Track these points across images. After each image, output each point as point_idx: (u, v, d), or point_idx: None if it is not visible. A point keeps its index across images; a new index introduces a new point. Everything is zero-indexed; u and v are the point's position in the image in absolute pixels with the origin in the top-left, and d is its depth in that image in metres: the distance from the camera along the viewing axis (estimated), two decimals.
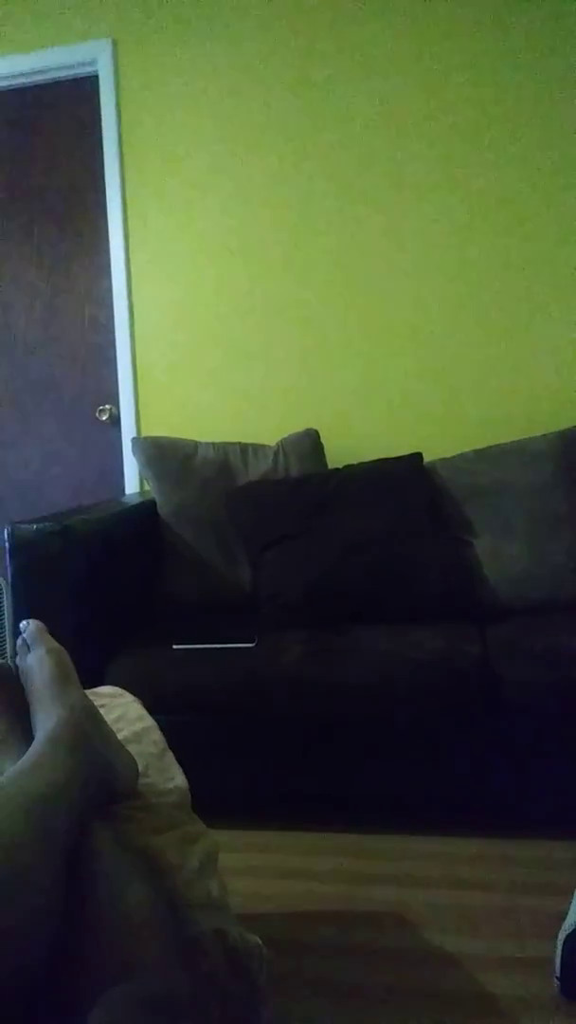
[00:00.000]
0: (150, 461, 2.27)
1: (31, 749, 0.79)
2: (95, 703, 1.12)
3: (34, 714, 0.88)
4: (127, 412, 2.71)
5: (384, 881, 1.52)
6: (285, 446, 2.34)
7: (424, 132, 2.43)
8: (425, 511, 2.05)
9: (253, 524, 2.08)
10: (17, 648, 0.97)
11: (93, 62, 2.65)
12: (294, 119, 2.52)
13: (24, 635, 0.96)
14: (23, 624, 0.98)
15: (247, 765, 1.71)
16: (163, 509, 2.24)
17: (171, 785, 1.00)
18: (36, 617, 1.01)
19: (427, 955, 1.30)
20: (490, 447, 2.18)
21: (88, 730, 0.84)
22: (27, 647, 0.95)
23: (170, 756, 1.09)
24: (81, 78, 2.70)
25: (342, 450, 2.54)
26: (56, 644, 0.95)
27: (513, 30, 2.35)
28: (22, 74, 2.71)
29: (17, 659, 0.96)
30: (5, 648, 2.18)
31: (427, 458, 2.44)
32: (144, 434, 2.71)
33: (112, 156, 2.64)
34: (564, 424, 2.41)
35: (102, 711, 1.14)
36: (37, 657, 0.92)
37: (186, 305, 2.64)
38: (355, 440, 2.55)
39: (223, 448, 2.33)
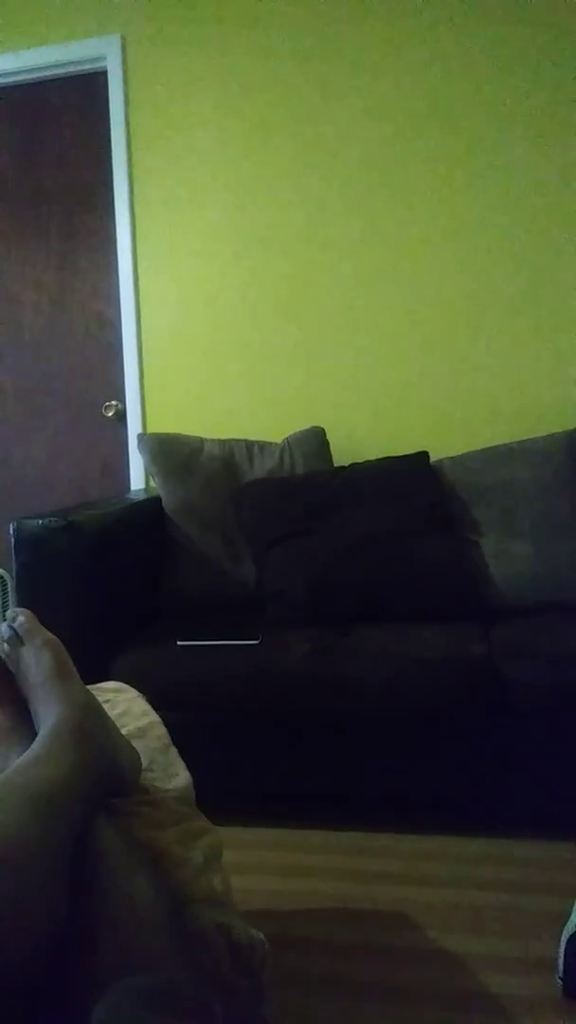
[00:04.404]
0: (155, 457, 2.27)
1: (35, 743, 0.79)
2: (99, 698, 1.12)
3: (34, 708, 0.87)
4: (133, 408, 2.71)
5: (387, 880, 1.51)
6: (291, 443, 2.34)
7: (430, 132, 2.43)
8: (431, 510, 2.05)
9: (258, 521, 2.08)
10: (6, 639, 0.92)
11: (102, 58, 2.65)
12: (302, 118, 2.51)
13: (15, 626, 0.93)
14: (11, 614, 0.95)
15: (251, 762, 1.71)
16: (168, 505, 2.24)
17: (175, 781, 1.00)
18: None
19: (430, 954, 1.29)
20: (497, 446, 2.17)
21: (92, 724, 0.84)
22: (19, 639, 0.92)
23: (174, 752, 1.09)
24: (90, 74, 2.70)
25: (348, 448, 2.54)
26: (51, 636, 0.93)
27: (520, 34, 2.34)
28: (31, 70, 2.72)
29: (6, 649, 0.92)
30: None
31: (433, 457, 2.43)
32: (150, 430, 2.71)
33: (120, 153, 2.64)
34: (571, 424, 2.40)
35: (106, 706, 1.14)
36: (33, 649, 0.90)
37: (193, 302, 2.64)
38: (361, 438, 2.54)
39: (229, 445, 2.33)
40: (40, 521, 1.71)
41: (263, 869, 1.57)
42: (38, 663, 0.89)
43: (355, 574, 1.90)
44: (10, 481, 2.89)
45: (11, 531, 1.72)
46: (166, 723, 1.16)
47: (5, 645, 0.92)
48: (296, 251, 2.55)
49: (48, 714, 0.84)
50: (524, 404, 2.43)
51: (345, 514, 2.03)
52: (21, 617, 0.94)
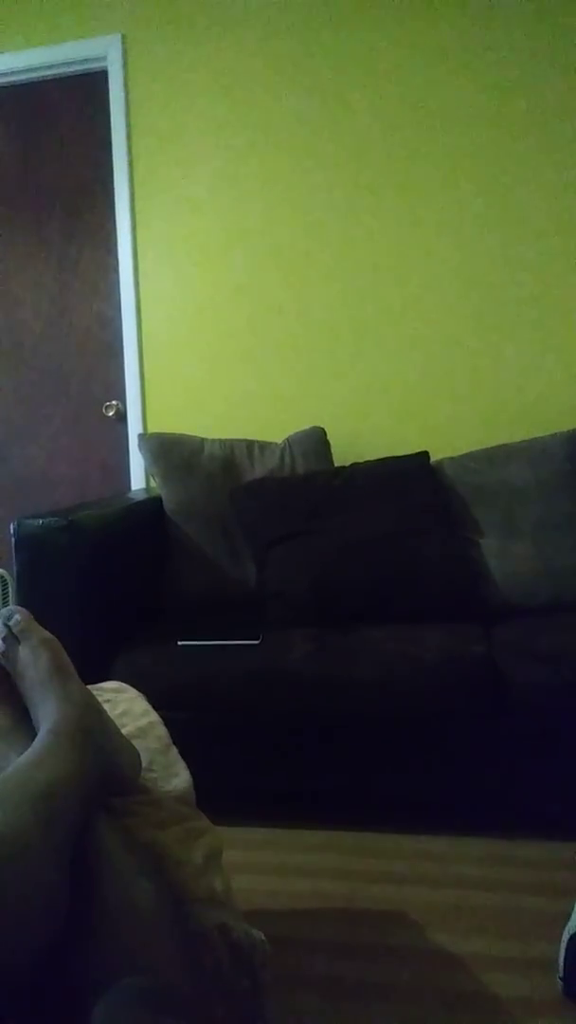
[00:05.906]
0: (156, 457, 2.27)
1: (35, 742, 0.79)
2: (100, 698, 1.12)
3: (33, 707, 0.87)
4: (133, 408, 2.71)
5: (387, 880, 1.51)
6: (292, 443, 2.34)
7: (434, 135, 2.43)
8: (431, 510, 2.05)
9: (259, 521, 2.08)
10: (2, 638, 0.92)
11: (103, 57, 2.65)
12: (302, 117, 2.51)
13: (11, 624, 0.93)
14: (7, 612, 0.94)
15: (251, 762, 1.71)
16: (169, 505, 2.24)
17: (175, 780, 1.00)
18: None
19: (430, 954, 1.29)
20: (497, 446, 2.17)
21: (92, 724, 0.84)
22: (15, 638, 0.92)
23: (174, 752, 1.09)
24: (90, 73, 2.70)
25: (349, 448, 2.54)
26: (48, 634, 0.93)
27: (520, 40, 2.34)
28: (32, 69, 2.72)
29: (2, 648, 0.92)
30: None
31: (434, 457, 2.43)
32: (150, 430, 2.71)
33: (120, 152, 2.64)
34: (572, 424, 2.40)
35: (107, 706, 1.14)
36: (30, 648, 0.90)
37: (193, 301, 2.64)
38: (362, 438, 2.54)
39: (229, 445, 2.33)
40: (40, 521, 1.71)
41: (263, 869, 1.57)
42: (36, 662, 0.89)
43: (356, 574, 1.89)
44: (10, 481, 2.89)
45: (12, 531, 1.72)
46: (167, 723, 1.16)
47: (1, 643, 0.92)
48: (297, 251, 2.55)
49: (47, 713, 0.84)
50: (524, 404, 2.43)
51: (346, 514, 2.03)
52: (17, 616, 0.94)
